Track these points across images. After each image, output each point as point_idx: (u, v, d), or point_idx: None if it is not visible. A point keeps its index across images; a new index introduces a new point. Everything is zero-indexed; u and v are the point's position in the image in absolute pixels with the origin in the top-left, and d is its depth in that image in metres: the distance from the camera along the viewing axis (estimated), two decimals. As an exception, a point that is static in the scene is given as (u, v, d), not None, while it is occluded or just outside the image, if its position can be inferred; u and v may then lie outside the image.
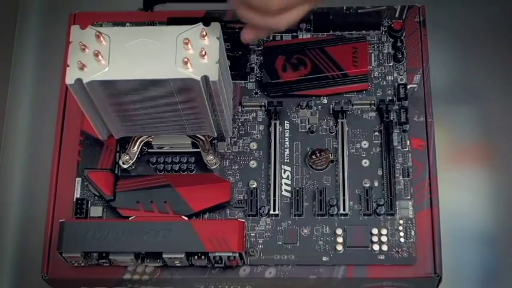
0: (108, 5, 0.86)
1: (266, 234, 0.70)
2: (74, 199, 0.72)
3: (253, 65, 0.76)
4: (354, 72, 0.73)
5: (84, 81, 0.61)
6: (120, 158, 0.72)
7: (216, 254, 0.67)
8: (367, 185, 0.71)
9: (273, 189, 0.71)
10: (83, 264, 0.69)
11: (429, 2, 0.78)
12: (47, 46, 0.91)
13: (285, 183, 0.72)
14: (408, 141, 0.72)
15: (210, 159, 0.72)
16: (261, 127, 0.74)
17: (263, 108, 0.74)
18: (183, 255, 0.67)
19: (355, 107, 0.74)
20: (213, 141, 0.73)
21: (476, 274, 0.82)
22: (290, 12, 0.62)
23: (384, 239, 0.69)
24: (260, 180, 0.72)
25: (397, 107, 0.73)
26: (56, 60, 0.79)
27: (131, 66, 0.62)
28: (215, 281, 0.70)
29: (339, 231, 0.70)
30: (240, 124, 0.74)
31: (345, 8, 0.76)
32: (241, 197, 0.72)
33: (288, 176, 0.72)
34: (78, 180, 0.73)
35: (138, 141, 0.72)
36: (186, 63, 0.61)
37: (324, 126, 0.74)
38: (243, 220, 0.69)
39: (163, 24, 0.76)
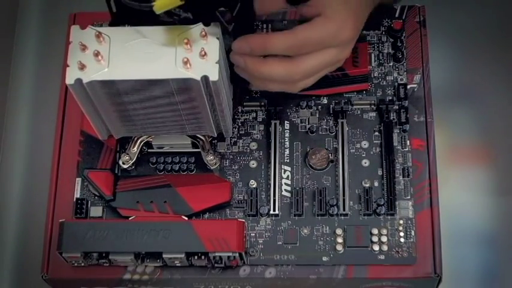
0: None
1: (266, 234, 0.70)
2: (74, 199, 0.72)
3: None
4: (354, 72, 0.73)
5: (84, 81, 0.61)
6: (120, 158, 0.72)
7: (216, 254, 0.67)
8: (367, 185, 0.71)
9: (273, 189, 0.71)
10: (83, 264, 0.69)
11: (429, 2, 0.78)
12: (47, 46, 0.91)
13: (285, 183, 0.72)
14: (408, 141, 0.72)
15: (210, 159, 0.72)
16: (261, 127, 0.74)
17: (263, 108, 0.74)
18: (183, 255, 0.67)
19: (355, 107, 0.74)
20: (213, 141, 0.73)
21: (476, 274, 0.82)
22: (309, 79, 0.66)
23: (384, 239, 0.69)
24: (260, 180, 0.72)
25: (397, 107, 0.73)
26: (56, 60, 0.79)
27: (131, 66, 0.61)
28: (215, 281, 0.70)
29: (339, 231, 0.70)
30: (240, 124, 0.74)
31: (345, 8, 0.76)
32: (241, 197, 0.72)
33: (288, 176, 0.72)
34: (78, 180, 0.73)
35: (138, 141, 0.72)
36: (186, 63, 0.61)
37: (324, 126, 0.74)
38: (243, 220, 0.69)
39: None
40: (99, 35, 0.62)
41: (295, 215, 0.71)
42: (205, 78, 0.61)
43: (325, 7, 0.63)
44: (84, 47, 0.62)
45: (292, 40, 0.63)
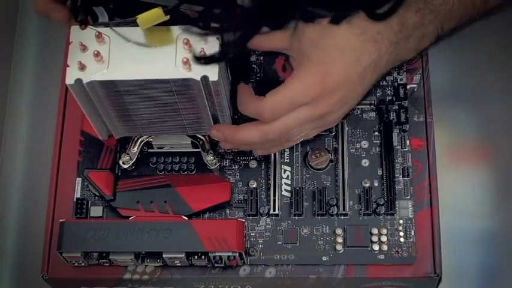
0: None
1: (266, 234, 0.70)
2: (74, 199, 0.72)
3: (253, 65, 0.76)
4: (354, 72, 0.73)
5: (84, 81, 0.61)
6: (120, 158, 0.72)
7: (216, 254, 0.67)
8: (367, 185, 0.71)
9: (273, 189, 0.71)
10: (83, 264, 0.69)
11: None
12: (47, 46, 0.91)
13: (285, 183, 0.72)
14: (408, 141, 0.72)
15: (210, 159, 0.72)
16: (261, 127, 0.74)
17: (263, 108, 0.74)
18: (183, 255, 0.67)
19: (355, 106, 0.74)
20: (213, 141, 0.73)
21: (476, 274, 0.82)
22: (289, 141, 0.69)
23: (384, 238, 0.69)
24: (260, 180, 0.72)
25: (397, 107, 0.73)
26: (56, 61, 0.79)
27: (131, 66, 0.62)
28: (215, 281, 0.70)
29: (339, 231, 0.70)
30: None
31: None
32: (241, 197, 0.72)
33: (288, 176, 0.72)
34: (78, 180, 0.73)
35: (138, 141, 0.72)
36: (186, 63, 0.61)
37: (324, 126, 0.74)
38: (243, 220, 0.69)
39: None
40: (99, 35, 0.62)
41: (295, 215, 0.71)
42: (205, 78, 0.62)
43: (296, 66, 0.65)
44: (84, 47, 0.62)
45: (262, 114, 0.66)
